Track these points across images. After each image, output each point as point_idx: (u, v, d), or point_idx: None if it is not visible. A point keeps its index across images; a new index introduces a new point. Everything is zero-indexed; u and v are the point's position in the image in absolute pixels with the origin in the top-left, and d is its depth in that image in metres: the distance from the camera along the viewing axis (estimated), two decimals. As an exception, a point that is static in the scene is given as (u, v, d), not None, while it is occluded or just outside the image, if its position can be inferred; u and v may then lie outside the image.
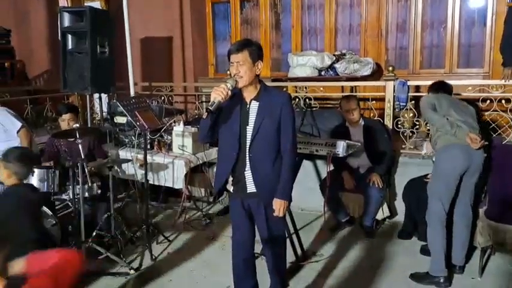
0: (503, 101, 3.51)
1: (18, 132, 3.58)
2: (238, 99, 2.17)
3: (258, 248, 2.51)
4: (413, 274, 2.87)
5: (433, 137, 2.83)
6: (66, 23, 4.30)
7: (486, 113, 3.56)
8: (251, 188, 2.20)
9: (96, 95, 4.94)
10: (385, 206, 3.63)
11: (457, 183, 2.71)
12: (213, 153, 3.91)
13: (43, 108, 5.33)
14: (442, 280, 2.74)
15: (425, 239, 3.16)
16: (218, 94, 2.04)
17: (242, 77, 2.09)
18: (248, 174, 2.19)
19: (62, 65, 4.36)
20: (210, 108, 2.04)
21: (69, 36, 4.34)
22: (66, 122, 3.46)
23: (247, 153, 2.17)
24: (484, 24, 4.56)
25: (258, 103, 2.15)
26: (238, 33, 5.68)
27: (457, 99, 3.01)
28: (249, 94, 2.17)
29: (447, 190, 2.70)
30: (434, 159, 2.86)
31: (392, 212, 3.75)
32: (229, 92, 2.07)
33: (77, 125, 3.13)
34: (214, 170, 3.91)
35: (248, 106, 2.17)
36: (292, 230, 3.14)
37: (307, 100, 4.31)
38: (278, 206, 2.18)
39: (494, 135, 3.54)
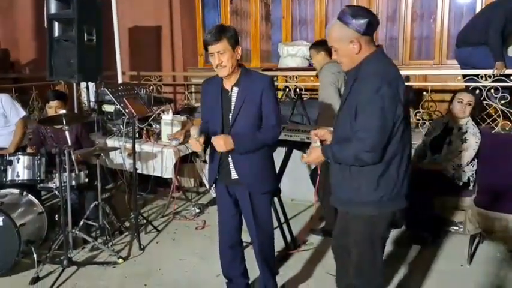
0: (492, 91, 3.54)
1: (19, 120, 3.57)
2: (219, 87, 2.14)
3: (248, 237, 2.49)
4: (312, 228, 3.41)
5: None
6: (53, 10, 4.20)
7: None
8: (234, 174, 2.18)
9: (83, 84, 4.85)
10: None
11: None
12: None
13: (29, 97, 5.21)
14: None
15: (413, 228, 3.21)
16: (196, 148, 2.10)
17: (225, 66, 2.04)
18: (231, 161, 2.17)
19: (48, 52, 4.26)
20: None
21: (56, 24, 4.24)
22: (53, 109, 3.38)
23: None
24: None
25: (238, 89, 2.11)
26: (228, 23, 5.61)
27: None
28: (229, 81, 2.13)
29: None
30: None
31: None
32: (201, 139, 2.08)
33: (64, 111, 3.06)
34: (203, 159, 3.95)
35: (230, 93, 2.13)
36: (282, 220, 3.14)
37: (297, 90, 4.30)
38: (222, 141, 2.04)
39: (483, 125, 3.57)
